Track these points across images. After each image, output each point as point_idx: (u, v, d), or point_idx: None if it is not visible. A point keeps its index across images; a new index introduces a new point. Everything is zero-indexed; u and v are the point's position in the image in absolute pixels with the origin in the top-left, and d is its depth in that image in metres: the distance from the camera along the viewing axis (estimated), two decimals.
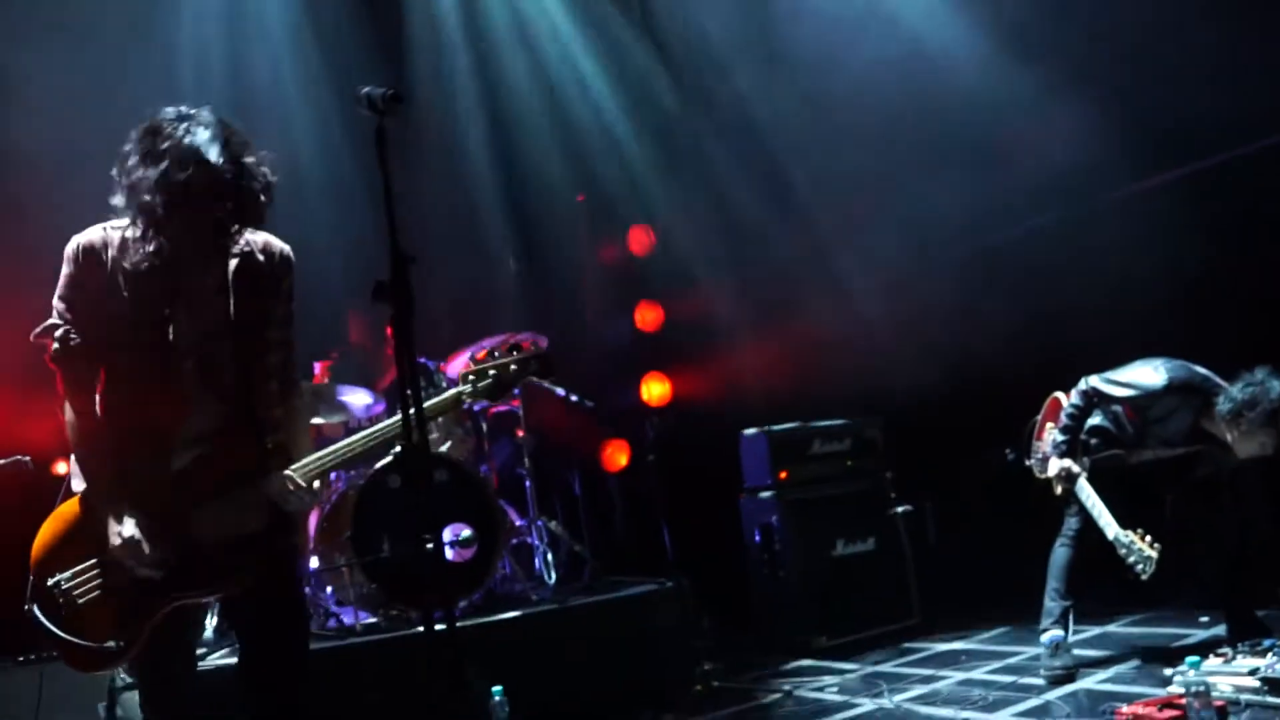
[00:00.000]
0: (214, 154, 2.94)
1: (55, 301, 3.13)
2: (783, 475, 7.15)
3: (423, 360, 6.37)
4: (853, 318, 7.99)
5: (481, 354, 4.66)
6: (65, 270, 3.13)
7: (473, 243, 8.25)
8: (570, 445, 8.31)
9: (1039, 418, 5.94)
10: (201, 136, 2.96)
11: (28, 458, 5.65)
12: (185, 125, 3.00)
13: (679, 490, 7.90)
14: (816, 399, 7.60)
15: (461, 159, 8.24)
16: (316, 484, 3.14)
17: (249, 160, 3.05)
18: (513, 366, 3.28)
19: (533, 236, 8.70)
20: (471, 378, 3.29)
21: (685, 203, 8.55)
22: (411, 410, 2.71)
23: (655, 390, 8.92)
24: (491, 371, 3.29)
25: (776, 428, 7.27)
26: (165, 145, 2.95)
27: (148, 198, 2.96)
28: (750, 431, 7.33)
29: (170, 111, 3.04)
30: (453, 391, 3.29)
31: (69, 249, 3.13)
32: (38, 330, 3.10)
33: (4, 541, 3.72)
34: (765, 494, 7.19)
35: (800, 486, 7.15)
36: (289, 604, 3.27)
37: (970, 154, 7.17)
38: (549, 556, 6.66)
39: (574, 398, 7.25)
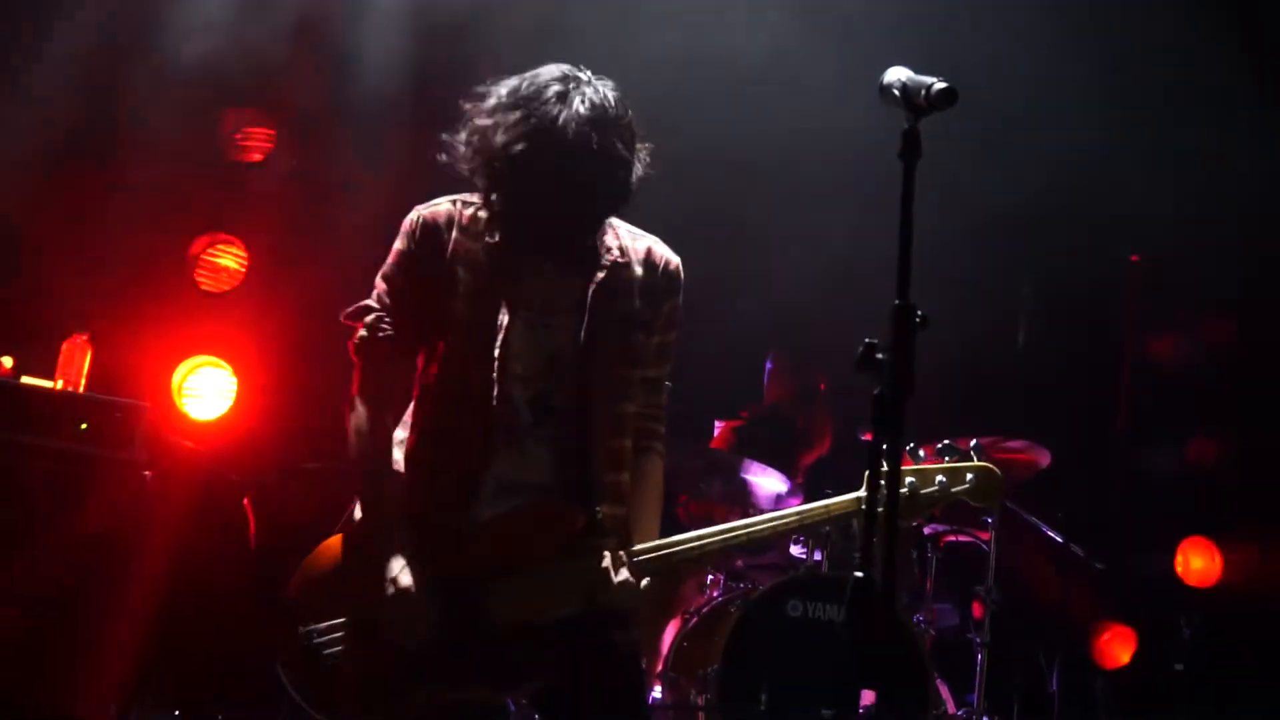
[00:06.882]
0: (594, 137, 2.82)
1: (377, 280, 3.02)
2: None
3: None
4: None
5: (928, 449, 4.29)
6: (397, 245, 3.02)
7: (982, 294, 7.10)
8: (1054, 615, 6.89)
9: None
10: (581, 111, 2.82)
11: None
12: (559, 91, 2.85)
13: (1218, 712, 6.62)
14: None
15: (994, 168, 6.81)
16: (647, 581, 2.91)
17: (626, 146, 2.90)
18: (969, 478, 3.02)
19: (1057, 301, 7.47)
20: (912, 480, 3.05)
21: None
22: (877, 513, 2.42)
23: (1196, 564, 7.35)
24: (939, 478, 3.04)
25: None
26: (536, 115, 2.83)
27: (504, 174, 2.88)
28: None
29: (547, 72, 2.89)
30: (852, 495, 3.00)
31: (407, 221, 3.03)
32: (348, 310, 3.00)
33: (282, 565, 3.43)
34: None
35: None
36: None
37: None
38: None
39: (1075, 549, 6.27)
